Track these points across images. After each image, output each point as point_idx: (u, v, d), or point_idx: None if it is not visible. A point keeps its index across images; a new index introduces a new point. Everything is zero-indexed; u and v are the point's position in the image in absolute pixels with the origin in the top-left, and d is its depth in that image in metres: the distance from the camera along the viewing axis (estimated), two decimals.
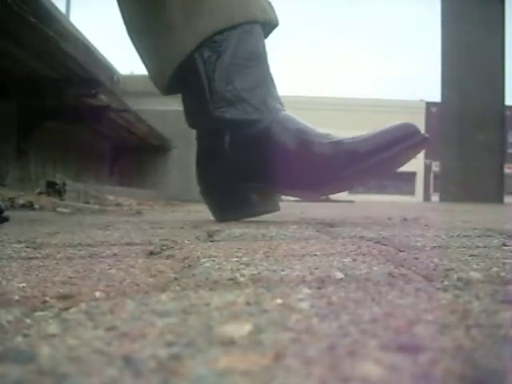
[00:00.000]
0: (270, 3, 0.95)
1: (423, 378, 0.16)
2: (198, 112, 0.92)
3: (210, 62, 0.88)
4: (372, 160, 0.82)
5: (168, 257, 0.45)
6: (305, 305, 0.25)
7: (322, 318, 0.23)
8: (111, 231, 0.71)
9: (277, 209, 0.99)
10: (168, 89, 0.95)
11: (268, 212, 0.97)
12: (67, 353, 0.18)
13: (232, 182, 0.91)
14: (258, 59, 0.91)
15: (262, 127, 0.88)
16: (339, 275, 0.34)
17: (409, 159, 0.86)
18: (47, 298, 0.28)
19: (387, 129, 0.84)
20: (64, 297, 0.29)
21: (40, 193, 1.89)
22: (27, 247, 0.52)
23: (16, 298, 0.28)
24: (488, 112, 5.89)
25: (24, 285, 0.31)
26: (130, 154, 3.30)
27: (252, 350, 0.18)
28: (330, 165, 0.84)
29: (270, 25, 0.95)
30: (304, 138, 0.86)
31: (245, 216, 0.93)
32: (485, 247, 0.51)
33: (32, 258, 0.44)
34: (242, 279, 0.33)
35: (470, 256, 0.43)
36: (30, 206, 1.51)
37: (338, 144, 0.85)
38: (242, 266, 0.38)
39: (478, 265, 0.38)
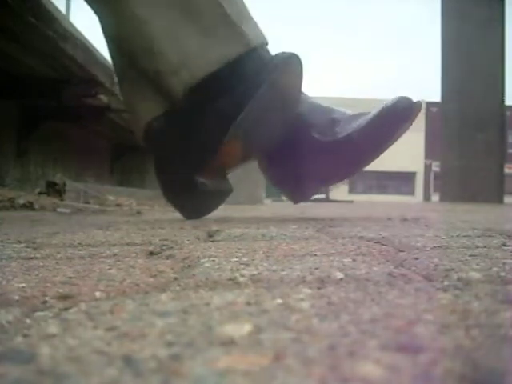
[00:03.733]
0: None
1: (423, 378, 0.16)
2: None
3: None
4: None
5: (168, 257, 0.45)
6: (305, 305, 0.25)
7: (322, 318, 0.23)
8: (111, 231, 0.71)
9: (229, 188, 1.04)
10: None
11: (221, 191, 1.02)
12: (67, 353, 0.18)
13: (182, 176, 0.96)
14: None
15: None
16: (339, 275, 0.34)
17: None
18: (47, 298, 0.28)
19: (381, 120, 0.88)
20: (64, 297, 0.29)
21: (40, 193, 1.89)
22: (27, 247, 0.52)
23: (16, 298, 0.28)
24: (488, 112, 5.89)
25: (24, 285, 0.31)
26: (129, 154, 3.29)
27: (252, 350, 0.18)
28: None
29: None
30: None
31: (201, 201, 0.99)
32: (485, 247, 0.51)
33: (32, 258, 0.44)
34: (241, 279, 0.33)
35: (470, 256, 0.43)
36: (29, 206, 1.51)
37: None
38: (242, 266, 0.38)
39: (477, 265, 0.38)
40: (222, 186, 1.01)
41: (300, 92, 0.94)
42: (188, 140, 0.94)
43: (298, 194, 1.07)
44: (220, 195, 1.03)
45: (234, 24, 0.89)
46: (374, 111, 0.93)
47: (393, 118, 0.90)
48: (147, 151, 1.09)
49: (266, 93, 0.84)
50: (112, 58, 1.03)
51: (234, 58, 0.89)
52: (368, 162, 0.97)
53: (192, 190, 0.95)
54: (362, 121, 0.92)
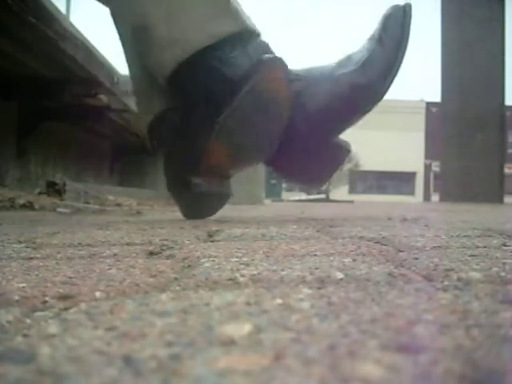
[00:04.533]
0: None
1: (423, 378, 0.16)
2: None
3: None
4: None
5: (168, 257, 0.45)
6: (305, 305, 0.25)
7: (322, 318, 0.23)
8: (111, 231, 0.71)
9: (228, 192, 1.03)
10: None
11: (219, 194, 1.01)
12: (67, 353, 0.18)
13: (178, 176, 0.96)
14: None
15: None
16: (339, 275, 0.34)
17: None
18: (47, 298, 0.28)
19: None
20: (64, 297, 0.29)
21: (40, 193, 1.89)
22: (27, 247, 0.52)
23: (16, 298, 0.28)
24: (488, 112, 5.89)
25: (24, 285, 0.31)
26: (129, 154, 3.30)
27: (252, 350, 0.18)
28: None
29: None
30: None
31: (197, 201, 0.99)
32: (485, 247, 0.51)
33: (32, 258, 0.44)
34: (241, 279, 0.33)
35: (470, 256, 0.43)
36: (29, 206, 1.51)
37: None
38: (242, 266, 0.38)
39: (477, 265, 0.38)
40: (219, 188, 1.00)
41: (288, 99, 0.90)
42: (182, 139, 0.94)
43: (315, 181, 1.05)
44: (218, 198, 1.03)
45: (229, 2, 0.89)
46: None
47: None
48: (155, 149, 1.12)
49: (249, 95, 0.84)
50: (125, 53, 1.02)
51: (225, 35, 0.89)
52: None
53: (186, 190, 0.96)
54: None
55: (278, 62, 0.85)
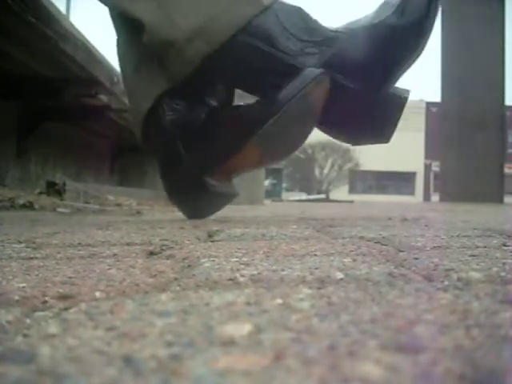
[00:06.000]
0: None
1: (423, 378, 0.16)
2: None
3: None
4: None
5: (168, 257, 0.45)
6: (305, 305, 0.25)
7: (322, 318, 0.23)
8: (111, 231, 0.71)
9: (235, 192, 1.02)
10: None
11: (228, 194, 1.00)
12: (67, 353, 0.18)
13: (192, 177, 0.94)
14: None
15: None
16: (339, 275, 0.34)
17: None
18: (47, 298, 0.28)
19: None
20: (64, 297, 0.29)
21: (40, 193, 1.89)
22: (27, 247, 0.52)
23: (16, 298, 0.28)
24: (488, 112, 5.89)
25: (24, 285, 0.31)
26: (129, 154, 3.29)
27: (252, 350, 0.18)
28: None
29: None
30: None
31: (208, 202, 0.98)
32: (485, 247, 0.51)
33: (32, 258, 0.44)
34: (242, 279, 0.33)
35: (470, 256, 0.43)
36: (29, 206, 1.51)
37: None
38: (242, 266, 0.38)
39: (477, 265, 0.38)
40: (229, 188, 1.00)
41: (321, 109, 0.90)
42: (202, 140, 0.91)
43: (379, 136, 0.99)
44: (226, 198, 1.02)
45: None
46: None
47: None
48: (147, 150, 1.07)
49: (297, 105, 0.84)
50: (117, 40, 1.00)
51: (250, 18, 0.87)
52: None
53: (200, 190, 0.94)
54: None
55: (326, 75, 0.85)
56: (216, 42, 0.87)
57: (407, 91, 0.95)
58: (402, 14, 0.87)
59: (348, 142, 1.04)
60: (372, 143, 1.00)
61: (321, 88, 0.86)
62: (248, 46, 0.87)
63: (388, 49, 0.88)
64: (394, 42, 0.87)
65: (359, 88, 0.88)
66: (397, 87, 0.94)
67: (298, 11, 0.91)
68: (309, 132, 0.93)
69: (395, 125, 0.97)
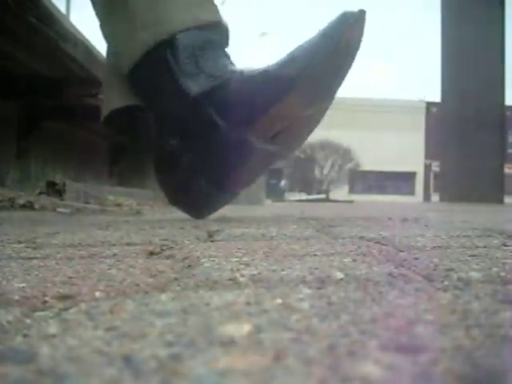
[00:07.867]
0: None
1: (423, 378, 0.16)
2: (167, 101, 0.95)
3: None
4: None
5: (168, 257, 0.45)
6: (305, 305, 0.25)
7: (322, 318, 0.23)
8: (111, 231, 0.71)
9: (279, 150, 1.00)
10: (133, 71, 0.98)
11: (272, 152, 0.97)
12: (67, 353, 0.18)
13: (193, 182, 0.95)
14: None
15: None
16: (339, 275, 0.34)
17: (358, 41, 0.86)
18: (47, 298, 0.28)
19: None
20: (64, 297, 0.29)
21: (40, 193, 1.89)
22: (27, 247, 0.52)
23: (16, 298, 0.28)
24: (488, 112, 5.89)
25: (24, 285, 0.31)
26: (130, 154, 3.29)
27: (252, 350, 0.18)
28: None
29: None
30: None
31: (212, 207, 1.01)
32: (485, 247, 0.51)
33: (32, 258, 0.44)
34: (242, 279, 0.33)
35: (470, 256, 0.43)
36: (29, 206, 1.51)
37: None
38: (242, 266, 0.38)
39: (477, 265, 0.38)
40: (271, 146, 0.95)
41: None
42: (236, 102, 0.90)
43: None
44: (231, 197, 1.02)
45: None
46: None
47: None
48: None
49: (334, 42, 0.83)
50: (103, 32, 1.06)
51: (207, 22, 0.93)
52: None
53: (244, 153, 0.92)
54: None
55: (363, 14, 0.84)
56: (173, 30, 0.91)
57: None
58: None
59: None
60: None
61: (358, 27, 0.84)
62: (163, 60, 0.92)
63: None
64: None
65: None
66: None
67: (211, 44, 0.96)
68: (346, 73, 0.90)
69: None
